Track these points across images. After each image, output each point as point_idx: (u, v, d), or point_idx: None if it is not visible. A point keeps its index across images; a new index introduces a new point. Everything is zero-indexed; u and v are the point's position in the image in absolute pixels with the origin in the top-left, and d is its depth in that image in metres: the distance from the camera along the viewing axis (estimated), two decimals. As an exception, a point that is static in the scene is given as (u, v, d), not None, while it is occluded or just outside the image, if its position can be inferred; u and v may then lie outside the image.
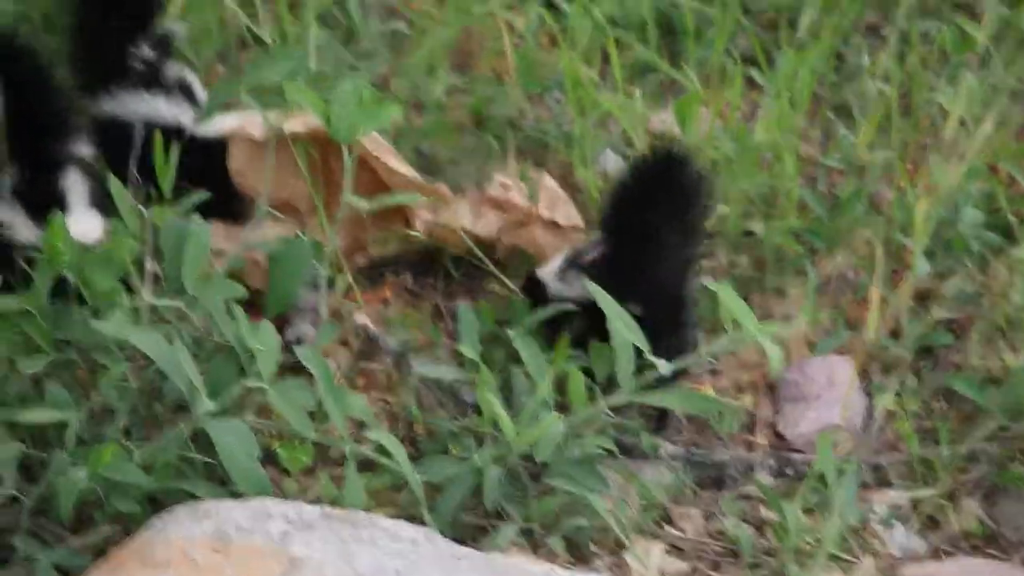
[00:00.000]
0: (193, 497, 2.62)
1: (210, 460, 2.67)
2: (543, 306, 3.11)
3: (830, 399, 3.27)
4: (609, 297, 2.79)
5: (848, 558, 2.98)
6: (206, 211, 2.95)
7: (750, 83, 3.97)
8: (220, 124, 3.31)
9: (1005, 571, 3.02)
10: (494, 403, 2.79)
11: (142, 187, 3.02)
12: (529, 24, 3.96)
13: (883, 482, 3.17)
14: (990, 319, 3.45)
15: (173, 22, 3.45)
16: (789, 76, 3.73)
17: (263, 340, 2.70)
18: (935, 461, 3.17)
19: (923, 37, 4.12)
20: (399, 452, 2.75)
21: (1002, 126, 3.81)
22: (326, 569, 2.42)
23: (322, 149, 3.27)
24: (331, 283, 3.12)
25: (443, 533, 2.65)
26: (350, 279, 3.25)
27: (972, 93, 3.75)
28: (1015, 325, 3.42)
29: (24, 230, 2.97)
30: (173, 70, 3.39)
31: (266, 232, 3.11)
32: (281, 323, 3.08)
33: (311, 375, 2.76)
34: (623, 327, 2.78)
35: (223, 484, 2.66)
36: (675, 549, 2.97)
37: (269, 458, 2.81)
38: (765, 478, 3.12)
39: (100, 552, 2.59)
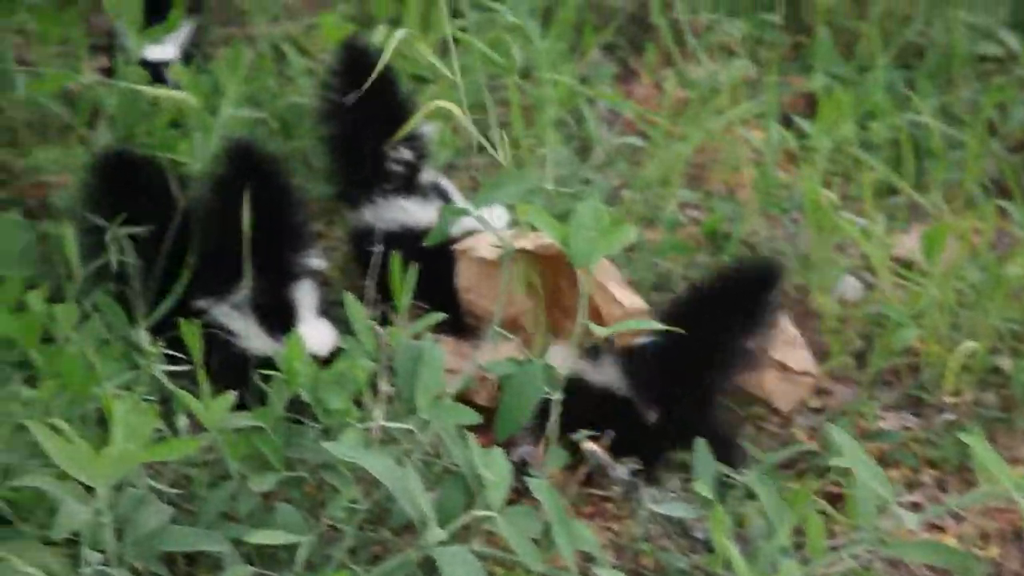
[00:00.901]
0: (420, 625, 2.55)
1: (437, 587, 2.61)
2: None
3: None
4: (849, 439, 2.67)
5: None
6: (437, 326, 2.92)
7: (999, 209, 3.81)
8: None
9: None
10: (729, 546, 2.68)
11: (378, 302, 2.99)
12: (768, 142, 3.87)
13: None
14: None
15: (423, 123, 3.45)
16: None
17: (495, 469, 2.64)
18: None
19: None
20: (627, 589, 2.66)
21: None
22: None
23: (550, 267, 3.21)
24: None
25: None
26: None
27: None
28: None
29: (258, 341, 2.97)
30: (428, 175, 3.37)
31: (496, 352, 3.06)
32: (506, 442, 3.02)
33: (536, 499, 2.69)
34: (867, 473, 2.65)
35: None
36: None
37: (493, 586, 2.75)
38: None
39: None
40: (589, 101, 3.99)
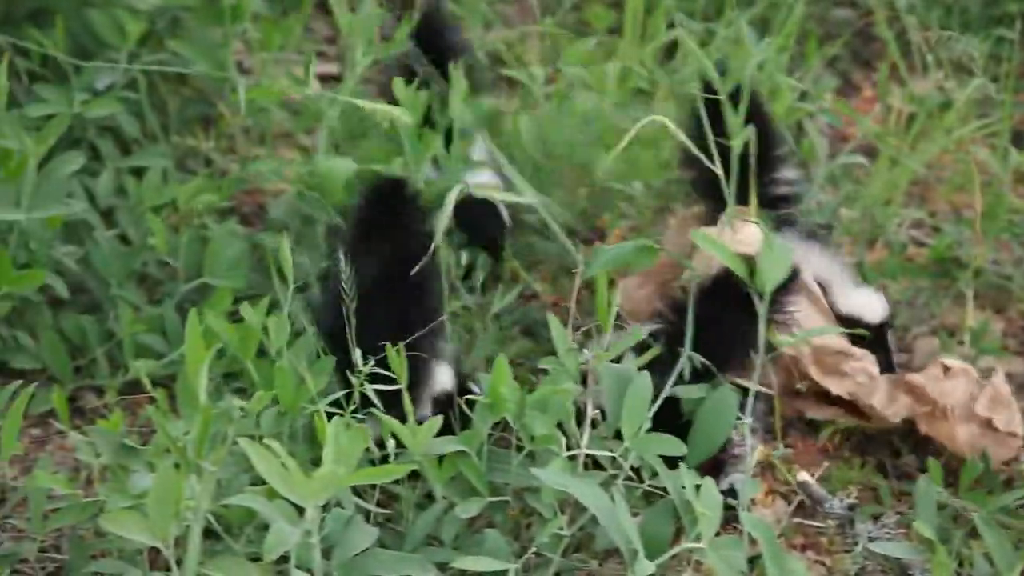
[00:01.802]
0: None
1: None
2: None
3: None
4: None
5: None
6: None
7: None
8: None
9: None
10: (952, 591, 2.57)
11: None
12: (1000, 162, 3.70)
13: None
14: None
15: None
16: None
17: (706, 499, 2.57)
18: None
19: None
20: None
21: None
22: None
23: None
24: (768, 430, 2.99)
25: None
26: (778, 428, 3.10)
27: None
28: None
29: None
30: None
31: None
32: (714, 468, 2.95)
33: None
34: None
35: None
36: None
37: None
38: None
39: None
40: (809, 115, 3.88)
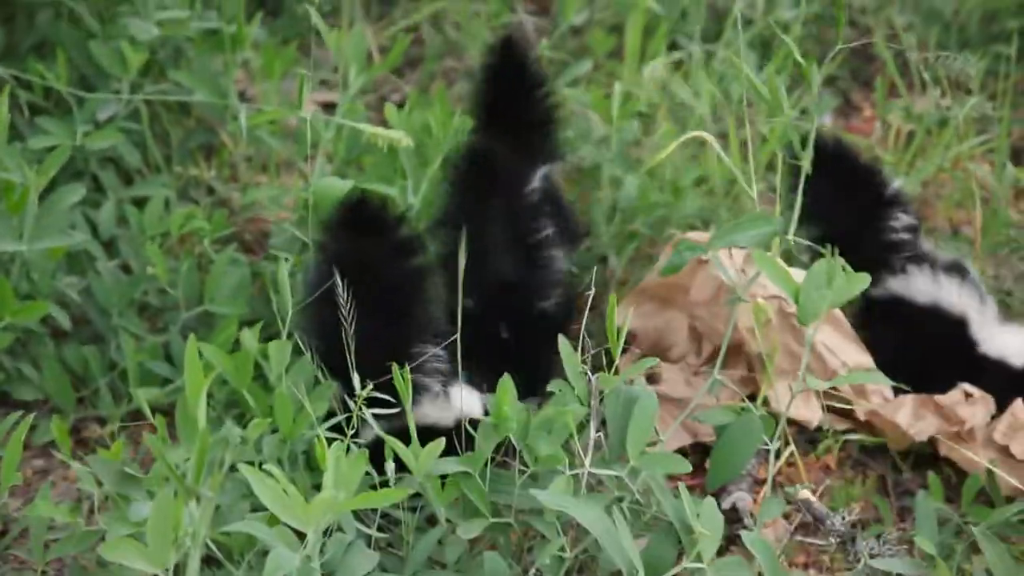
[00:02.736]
0: None
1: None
2: None
3: None
4: None
5: None
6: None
7: None
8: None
9: None
10: (952, 606, 2.57)
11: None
12: (999, 178, 3.71)
13: None
14: None
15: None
16: None
17: (707, 520, 2.57)
18: None
19: None
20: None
21: None
22: None
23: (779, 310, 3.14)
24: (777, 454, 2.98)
25: None
26: (793, 448, 3.09)
27: None
28: None
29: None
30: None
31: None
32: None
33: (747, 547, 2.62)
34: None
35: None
36: None
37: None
38: None
39: None
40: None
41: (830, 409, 3.19)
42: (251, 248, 3.70)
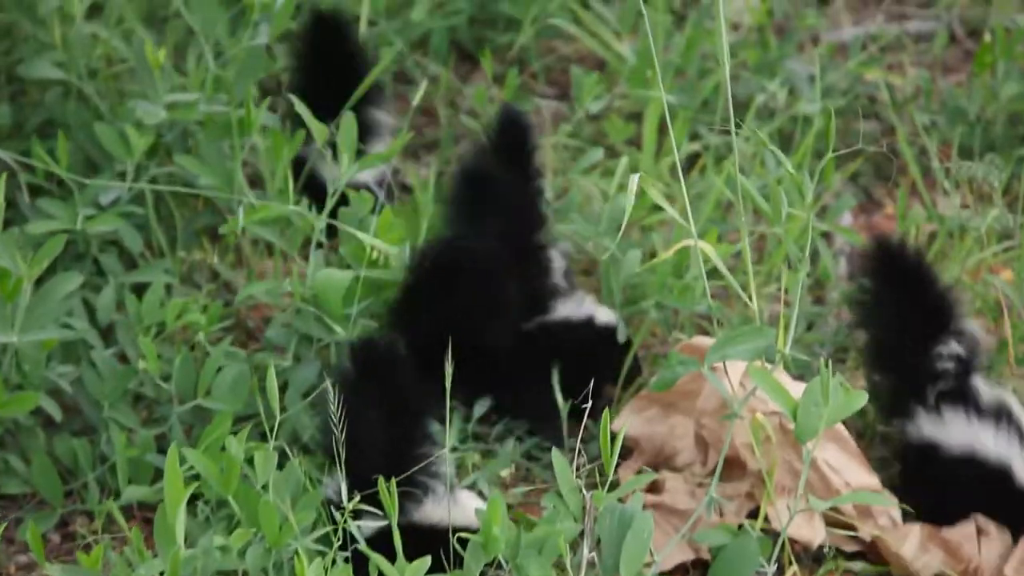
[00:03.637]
0: None
1: None
2: None
3: None
4: None
5: None
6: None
7: None
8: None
9: None
10: None
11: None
12: (1020, 286, 3.59)
13: None
14: None
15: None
16: None
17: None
18: None
19: None
20: None
21: None
22: None
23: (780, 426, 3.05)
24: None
25: None
26: (796, 569, 2.99)
27: None
28: None
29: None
30: (987, 391, 3.17)
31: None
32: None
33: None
34: None
35: None
36: None
37: None
38: None
39: None
40: (824, 235, 3.81)
41: (836, 528, 3.09)
42: (253, 335, 3.63)
